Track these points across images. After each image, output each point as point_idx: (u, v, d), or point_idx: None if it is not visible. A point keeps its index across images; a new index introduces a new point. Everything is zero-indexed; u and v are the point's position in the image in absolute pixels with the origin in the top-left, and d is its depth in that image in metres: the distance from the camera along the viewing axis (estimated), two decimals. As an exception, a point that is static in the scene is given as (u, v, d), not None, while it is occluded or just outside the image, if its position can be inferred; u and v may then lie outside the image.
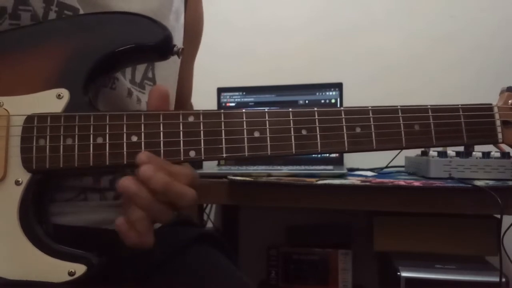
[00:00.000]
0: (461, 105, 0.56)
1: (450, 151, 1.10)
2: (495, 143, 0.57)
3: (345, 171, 1.18)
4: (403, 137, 0.54)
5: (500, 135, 0.56)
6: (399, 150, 1.30)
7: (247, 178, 1.07)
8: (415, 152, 1.24)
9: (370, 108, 0.54)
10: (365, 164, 1.40)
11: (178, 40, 0.70)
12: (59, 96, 0.52)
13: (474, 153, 1.08)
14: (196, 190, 0.51)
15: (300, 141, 0.53)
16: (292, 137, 0.53)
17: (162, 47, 0.54)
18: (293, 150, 0.53)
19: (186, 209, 0.50)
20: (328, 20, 1.62)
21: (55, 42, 0.54)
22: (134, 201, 0.48)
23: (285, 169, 1.18)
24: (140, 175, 0.48)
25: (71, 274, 0.48)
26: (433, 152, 1.12)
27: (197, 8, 0.78)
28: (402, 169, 1.30)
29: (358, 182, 1.04)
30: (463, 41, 1.53)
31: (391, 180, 1.07)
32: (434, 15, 1.56)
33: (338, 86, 1.41)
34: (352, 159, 1.44)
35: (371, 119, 0.54)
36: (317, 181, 1.05)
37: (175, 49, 0.55)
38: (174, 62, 0.69)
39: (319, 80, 1.43)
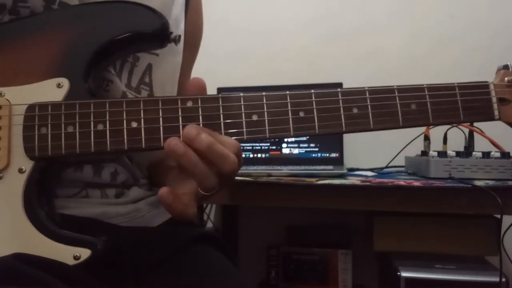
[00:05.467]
0: (457, 83, 0.56)
1: (450, 151, 1.10)
2: (492, 120, 0.56)
3: (345, 171, 1.18)
4: (400, 116, 0.54)
5: (496, 112, 0.56)
6: (399, 150, 1.31)
7: (247, 178, 1.07)
8: (415, 152, 1.24)
9: (366, 88, 0.55)
10: (365, 164, 1.40)
11: (179, 46, 0.70)
12: (59, 85, 0.53)
13: (474, 153, 1.09)
14: (240, 161, 0.52)
15: (298, 123, 0.53)
16: (290, 119, 0.53)
17: (160, 35, 0.55)
18: (291, 132, 0.53)
19: (229, 176, 0.51)
20: (328, 21, 1.62)
21: (54, 32, 0.55)
22: (181, 161, 0.49)
23: (285, 169, 1.18)
24: (184, 134, 0.50)
25: (76, 258, 0.49)
26: (433, 152, 1.12)
27: (198, 18, 0.79)
28: (402, 169, 1.30)
29: (358, 182, 1.04)
30: (464, 42, 1.53)
31: (391, 180, 1.07)
32: (434, 16, 1.56)
33: (338, 87, 1.41)
34: (352, 159, 1.44)
35: (368, 99, 0.54)
36: (317, 181, 1.05)
37: (172, 36, 0.56)
38: (171, 68, 0.69)
39: (319, 81, 1.43)
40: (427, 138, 1.17)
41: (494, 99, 0.56)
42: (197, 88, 0.54)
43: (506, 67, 0.58)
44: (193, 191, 0.53)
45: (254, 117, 0.53)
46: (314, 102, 0.54)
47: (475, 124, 1.13)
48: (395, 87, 0.55)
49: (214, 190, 0.52)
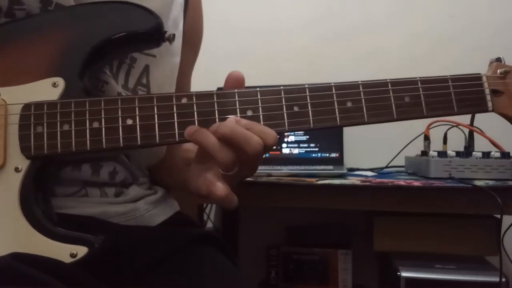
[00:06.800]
0: (450, 75, 0.56)
1: (450, 151, 1.10)
2: (486, 111, 0.57)
3: (345, 171, 1.18)
4: (394, 109, 0.55)
5: (490, 104, 0.56)
6: (399, 150, 1.31)
7: (247, 178, 1.07)
8: (415, 152, 1.24)
9: (360, 82, 0.55)
10: (365, 164, 1.40)
11: (176, 47, 0.70)
12: (54, 85, 0.53)
13: (474, 153, 1.09)
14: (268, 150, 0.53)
15: (293, 118, 0.54)
16: (285, 114, 0.54)
17: (154, 34, 0.56)
18: (286, 127, 0.54)
19: (254, 158, 0.52)
20: (328, 21, 1.62)
21: (50, 33, 0.56)
22: (203, 144, 0.51)
23: (285, 169, 1.18)
24: (210, 128, 0.52)
25: (73, 256, 0.49)
26: (433, 152, 1.12)
27: (197, 18, 0.79)
28: (402, 169, 1.30)
29: (358, 182, 1.04)
30: (464, 41, 1.53)
31: (391, 180, 1.07)
32: (434, 16, 1.56)
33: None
34: (352, 159, 1.44)
35: (362, 93, 0.55)
36: (317, 181, 1.05)
37: (166, 35, 0.56)
38: (169, 69, 0.69)
39: (319, 81, 1.43)
40: (427, 138, 1.17)
41: (487, 91, 0.56)
42: (236, 81, 0.55)
43: (498, 59, 0.59)
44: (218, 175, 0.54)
45: (249, 113, 0.54)
46: (308, 96, 0.54)
47: (475, 124, 1.13)
48: (388, 80, 0.55)
49: (234, 168, 0.52)
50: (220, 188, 0.53)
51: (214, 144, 0.51)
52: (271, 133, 0.52)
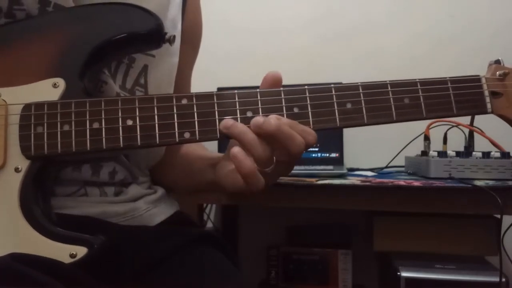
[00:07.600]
0: (449, 77, 0.56)
1: (450, 151, 1.10)
2: (485, 113, 0.57)
3: (345, 171, 1.18)
4: (394, 111, 0.55)
5: (489, 105, 0.57)
6: (399, 150, 1.31)
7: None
8: (415, 152, 1.24)
9: (359, 84, 0.55)
10: (365, 164, 1.40)
11: (175, 47, 0.70)
12: (55, 85, 0.54)
13: (474, 153, 1.09)
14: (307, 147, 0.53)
15: (292, 119, 0.54)
16: (285, 115, 0.54)
17: (154, 35, 0.56)
18: None
19: (295, 157, 0.52)
20: (328, 21, 1.62)
21: (51, 33, 0.56)
22: (240, 139, 0.51)
23: (285, 169, 1.18)
24: (252, 122, 0.52)
25: (72, 256, 0.49)
26: (433, 152, 1.12)
27: (196, 18, 0.78)
28: (402, 169, 1.30)
29: (358, 182, 1.04)
30: (464, 41, 1.53)
31: (391, 180, 1.07)
32: (434, 16, 1.56)
33: (338, 86, 1.41)
34: (352, 159, 1.44)
35: (361, 94, 0.55)
36: (317, 181, 1.05)
37: (166, 36, 0.56)
38: (168, 69, 0.69)
39: (319, 81, 1.43)
40: (427, 138, 1.17)
41: (486, 93, 0.57)
42: (274, 82, 0.55)
43: (497, 61, 0.59)
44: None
45: (249, 114, 0.54)
46: (308, 98, 0.54)
47: (475, 124, 1.13)
48: (387, 82, 0.55)
49: (270, 165, 0.53)
50: (248, 163, 0.52)
51: (252, 139, 0.51)
52: (311, 133, 0.53)
